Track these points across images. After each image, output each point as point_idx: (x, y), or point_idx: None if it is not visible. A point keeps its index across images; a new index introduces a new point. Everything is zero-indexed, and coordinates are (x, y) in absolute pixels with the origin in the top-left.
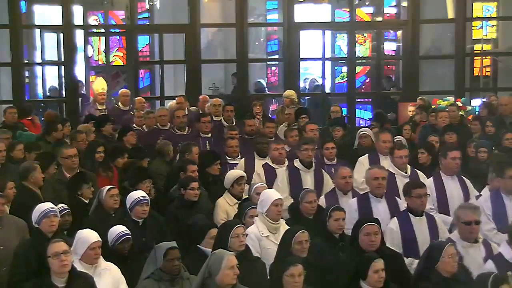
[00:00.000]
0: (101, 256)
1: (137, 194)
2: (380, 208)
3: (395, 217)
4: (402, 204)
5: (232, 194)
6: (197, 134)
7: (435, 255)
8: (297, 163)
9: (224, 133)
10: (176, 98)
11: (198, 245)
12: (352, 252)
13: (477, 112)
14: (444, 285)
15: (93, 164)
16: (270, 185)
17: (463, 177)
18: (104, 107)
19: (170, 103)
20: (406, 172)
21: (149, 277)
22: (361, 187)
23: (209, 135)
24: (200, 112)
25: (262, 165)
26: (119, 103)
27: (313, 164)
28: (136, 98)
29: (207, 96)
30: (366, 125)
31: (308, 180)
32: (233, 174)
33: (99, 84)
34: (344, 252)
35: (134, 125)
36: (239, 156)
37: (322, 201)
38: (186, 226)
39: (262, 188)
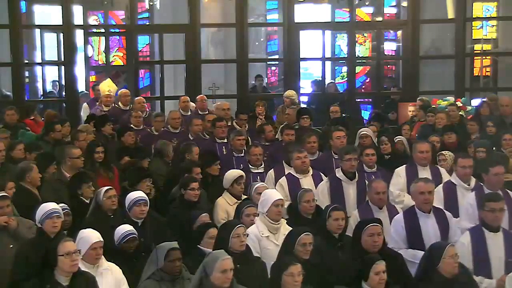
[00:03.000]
0: (102, 256)
1: (135, 194)
2: (429, 224)
3: (467, 232)
4: (452, 218)
5: (231, 193)
6: (212, 139)
7: (436, 256)
8: (339, 173)
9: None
10: (181, 98)
11: (198, 245)
12: (354, 252)
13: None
14: (445, 287)
15: (93, 164)
16: (293, 196)
17: (508, 191)
18: (114, 106)
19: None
20: (469, 185)
21: (149, 278)
22: (397, 200)
23: (226, 140)
24: (200, 112)
25: (285, 176)
26: (120, 103)
27: (356, 175)
28: (135, 98)
29: (204, 96)
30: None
31: (350, 191)
32: (232, 174)
33: (106, 86)
34: (343, 252)
35: (131, 125)
36: (263, 165)
37: (355, 214)
38: (186, 226)
39: (262, 188)
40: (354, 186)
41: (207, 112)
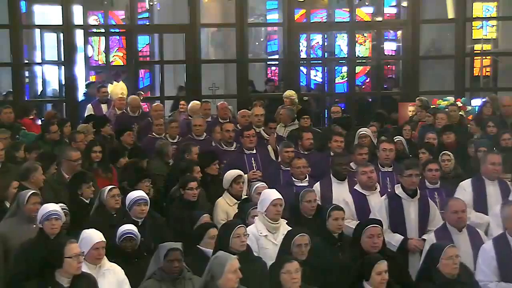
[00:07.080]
0: (105, 257)
1: (135, 194)
2: None
3: None
4: None
5: (231, 194)
6: (240, 150)
7: (435, 256)
8: (398, 190)
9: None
10: (180, 103)
11: (198, 245)
12: (354, 253)
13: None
14: (445, 287)
15: (91, 164)
16: (361, 215)
17: None
18: (123, 112)
19: (190, 105)
20: None
21: (151, 277)
22: None
23: (254, 151)
24: (220, 120)
25: (351, 192)
26: (128, 109)
27: (418, 192)
28: (153, 105)
29: (225, 103)
30: None
31: (411, 211)
32: (231, 173)
33: (119, 89)
34: (342, 252)
35: (153, 133)
36: (307, 178)
37: (431, 238)
38: (186, 226)
39: (263, 188)
40: (415, 204)
41: (228, 119)
